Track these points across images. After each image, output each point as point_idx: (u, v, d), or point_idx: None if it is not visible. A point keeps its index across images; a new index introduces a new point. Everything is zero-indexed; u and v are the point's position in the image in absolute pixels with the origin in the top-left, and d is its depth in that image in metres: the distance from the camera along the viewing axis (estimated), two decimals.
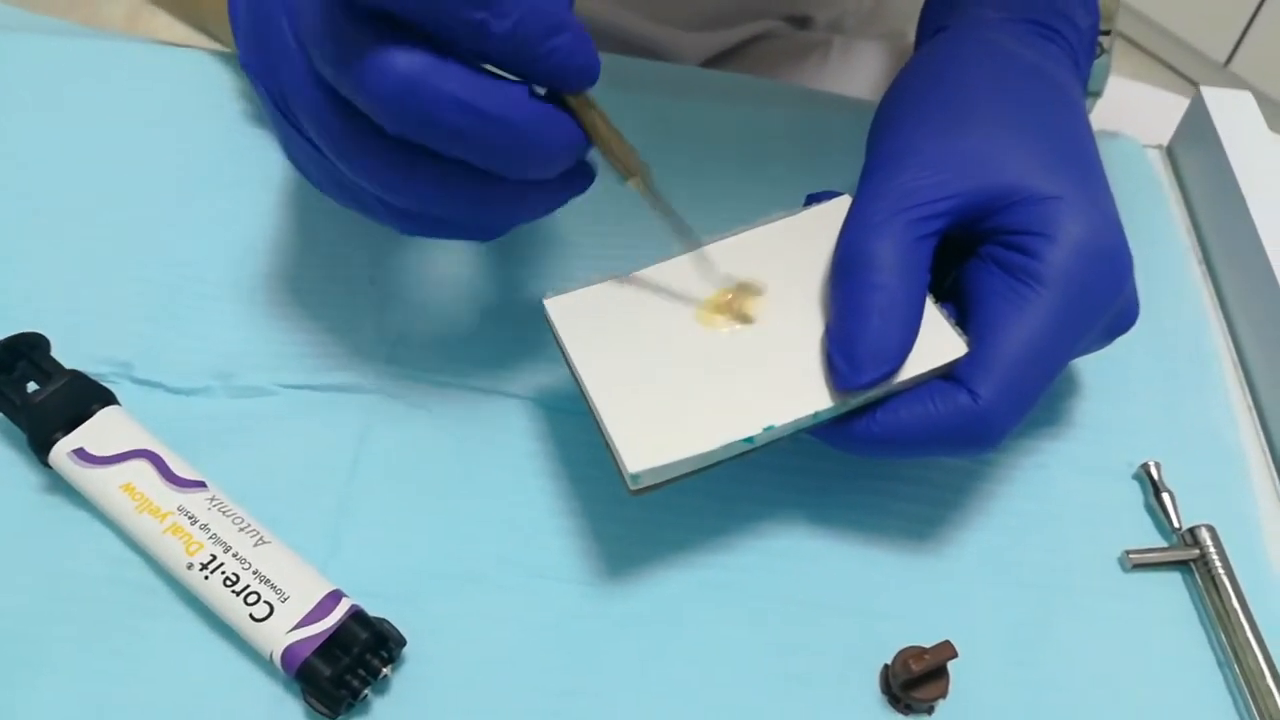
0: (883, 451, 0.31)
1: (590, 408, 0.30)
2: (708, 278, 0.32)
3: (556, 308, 0.32)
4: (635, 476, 0.29)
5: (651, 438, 0.29)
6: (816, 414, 0.30)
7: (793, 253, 0.33)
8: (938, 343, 0.31)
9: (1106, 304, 0.32)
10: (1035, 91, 0.35)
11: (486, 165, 0.27)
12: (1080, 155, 0.33)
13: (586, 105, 0.27)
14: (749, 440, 0.29)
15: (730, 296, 0.32)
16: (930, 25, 0.40)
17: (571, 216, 0.31)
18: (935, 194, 0.31)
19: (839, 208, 0.34)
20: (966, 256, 0.33)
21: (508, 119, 0.26)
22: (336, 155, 0.27)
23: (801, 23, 0.63)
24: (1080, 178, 0.32)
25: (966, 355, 0.31)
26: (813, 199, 0.35)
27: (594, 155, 0.29)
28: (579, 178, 0.30)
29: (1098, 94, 0.41)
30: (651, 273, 0.33)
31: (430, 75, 0.25)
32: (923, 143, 0.32)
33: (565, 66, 0.26)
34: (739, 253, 0.33)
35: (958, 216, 0.31)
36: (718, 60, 0.61)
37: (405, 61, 0.24)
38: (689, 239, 0.32)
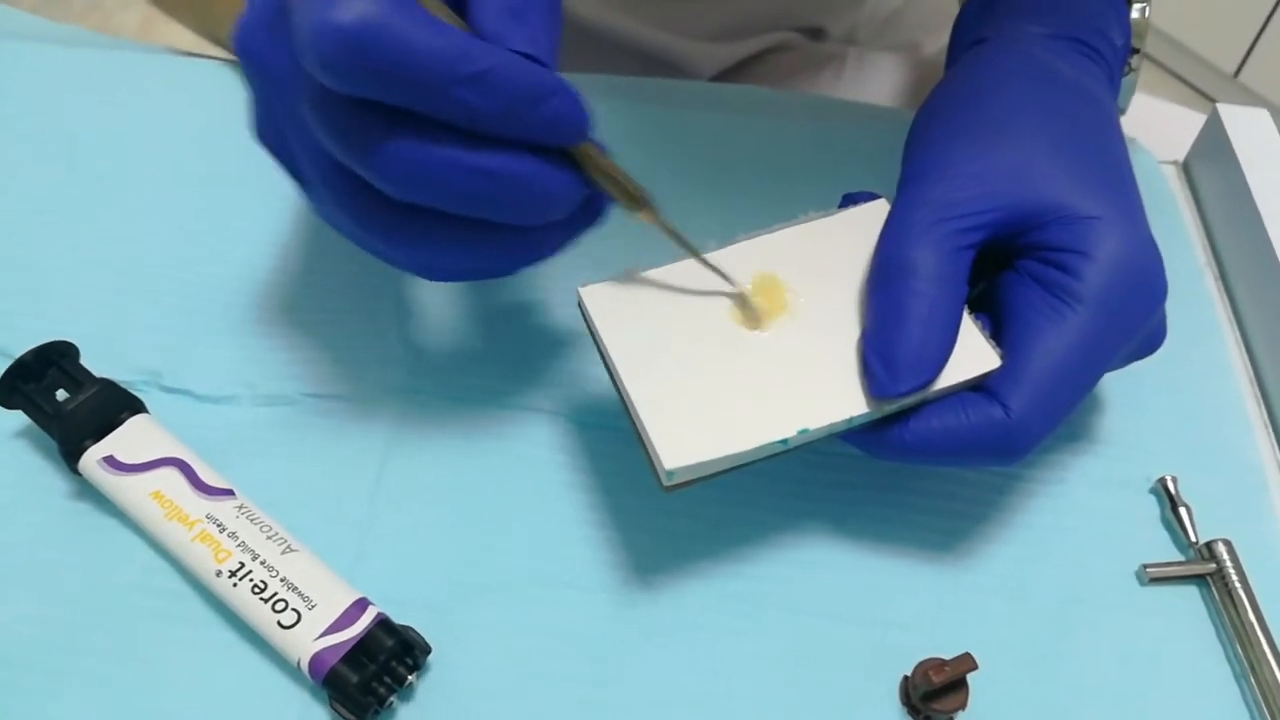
0: (913, 459, 0.31)
1: (625, 400, 0.30)
2: (742, 274, 0.32)
3: (591, 296, 0.32)
4: (671, 473, 0.29)
5: (687, 435, 0.29)
6: (851, 419, 0.30)
7: (829, 253, 0.33)
8: (972, 354, 0.31)
9: (1140, 324, 0.32)
10: (1076, 108, 0.35)
11: (495, 219, 0.28)
12: (1119, 174, 0.34)
13: (586, 149, 0.28)
14: (783, 442, 0.30)
15: (764, 295, 0.32)
16: (967, 37, 0.40)
17: (597, 231, 0.32)
18: (977, 206, 0.31)
19: (877, 211, 0.34)
20: (996, 269, 0.33)
21: (514, 175, 0.26)
22: (352, 222, 0.28)
23: (815, 34, 0.63)
24: (1120, 197, 0.33)
25: (1000, 368, 0.31)
26: (849, 199, 0.35)
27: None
28: (585, 216, 0.30)
29: (1122, 112, 0.42)
30: (686, 267, 0.32)
31: (434, 150, 0.26)
32: (964, 154, 0.33)
33: (558, 128, 0.27)
34: (774, 251, 0.33)
35: (997, 229, 0.32)
36: (732, 72, 0.62)
37: (407, 141, 0.25)
38: (703, 261, 0.32)
